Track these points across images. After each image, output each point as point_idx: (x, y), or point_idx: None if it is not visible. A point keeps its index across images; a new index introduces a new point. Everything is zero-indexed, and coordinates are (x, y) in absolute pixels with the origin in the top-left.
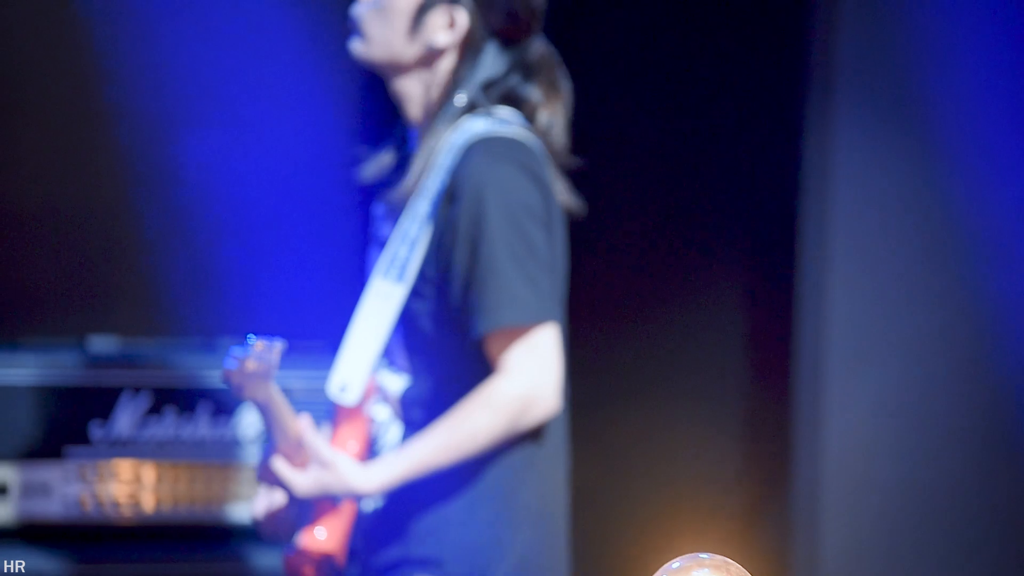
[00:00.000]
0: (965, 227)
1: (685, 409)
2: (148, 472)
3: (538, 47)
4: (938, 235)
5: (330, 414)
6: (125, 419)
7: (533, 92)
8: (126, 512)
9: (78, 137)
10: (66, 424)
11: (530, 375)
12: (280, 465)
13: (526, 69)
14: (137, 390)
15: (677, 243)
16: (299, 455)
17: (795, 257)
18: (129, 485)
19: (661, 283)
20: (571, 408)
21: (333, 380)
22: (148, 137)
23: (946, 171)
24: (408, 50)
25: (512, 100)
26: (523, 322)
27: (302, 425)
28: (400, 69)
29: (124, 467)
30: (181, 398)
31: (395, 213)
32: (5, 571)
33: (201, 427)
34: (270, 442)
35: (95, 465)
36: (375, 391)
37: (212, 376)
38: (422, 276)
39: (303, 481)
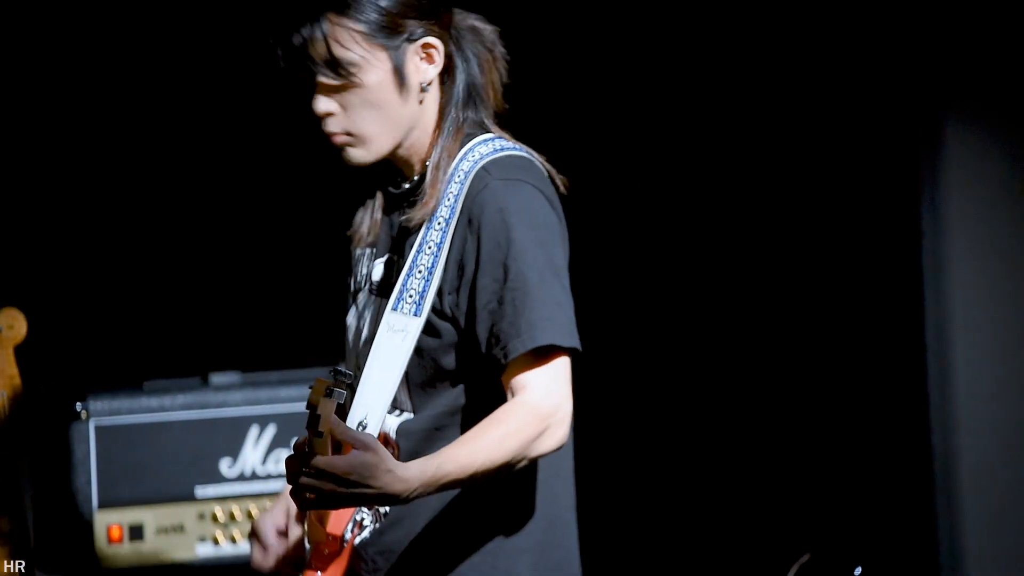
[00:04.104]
0: None
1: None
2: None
3: (459, 17)
4: None
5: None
6: (254, 454)
7: (475, 66)
8: None
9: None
10: (196, 463)
11: (554, 399)
12: (319, 459)
13: (458, 44)
14: (263, 425)
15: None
16: None
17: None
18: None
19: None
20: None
21: (351, 418)
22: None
23: None
24: (407, 111)
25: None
26: (556, 343)
27: (333, 422)
28: (406, 134)
29: (254, 505)
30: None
31: (392, 247)
32: (5, 571)
33: None
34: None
35: (226, 503)
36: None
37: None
38: (436, 308)
39: (343, 462)
